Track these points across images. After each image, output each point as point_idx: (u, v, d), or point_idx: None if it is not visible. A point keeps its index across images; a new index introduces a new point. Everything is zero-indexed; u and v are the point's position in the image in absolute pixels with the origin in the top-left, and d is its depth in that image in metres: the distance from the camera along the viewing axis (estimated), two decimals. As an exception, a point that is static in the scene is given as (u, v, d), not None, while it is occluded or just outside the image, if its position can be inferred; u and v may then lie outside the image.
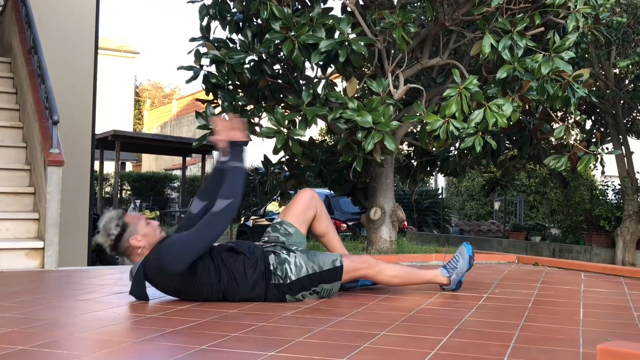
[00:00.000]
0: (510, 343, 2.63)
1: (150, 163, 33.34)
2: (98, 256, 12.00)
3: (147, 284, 3.47)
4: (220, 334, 2.74)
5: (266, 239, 3.79)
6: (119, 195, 21.62)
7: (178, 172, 26.12)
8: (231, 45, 6.27)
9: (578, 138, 6.61)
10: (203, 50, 6.05)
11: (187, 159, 23.61)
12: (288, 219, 3.79)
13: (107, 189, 25.79)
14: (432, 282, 3.92)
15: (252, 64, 6.08)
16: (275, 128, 5.52)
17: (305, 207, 3.84)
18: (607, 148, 10.90)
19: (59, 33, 9.56)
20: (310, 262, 3.56)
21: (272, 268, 3.51)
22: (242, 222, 16.56)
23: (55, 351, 2.39)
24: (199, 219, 3.49)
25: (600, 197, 12.59)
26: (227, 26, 6.30)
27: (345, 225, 12.33)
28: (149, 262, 3.41)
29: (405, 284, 3.87)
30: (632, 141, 11.95)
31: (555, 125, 6.91)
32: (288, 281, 3.51)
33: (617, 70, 10.66)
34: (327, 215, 3.97)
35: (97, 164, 18.22)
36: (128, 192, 24.98)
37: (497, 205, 18.26)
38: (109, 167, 26.92)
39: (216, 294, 3.46)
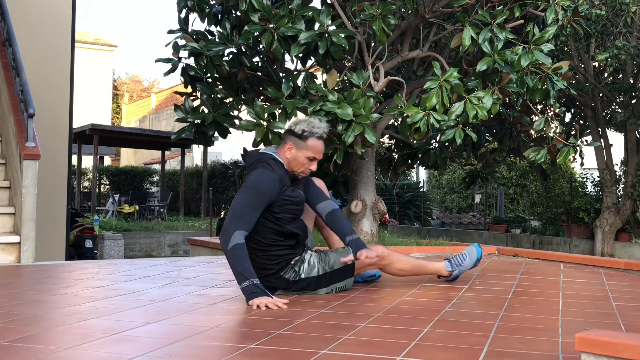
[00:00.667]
0: (490, 333, 2.62)
1: (129, 157, 33.08)
2: (76, 251, 11.92)
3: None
4: (197, 326, 2.71)
5: None
6: (97, 190, 21.45)
7: (157, 166, 25.95)
8: (210, 37, 6.22)
9: (557, 130, 6.63)
10: (181, 42, 5.99)
11: (167, 152, 23.48)
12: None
13: (86, 184, 25.58)
14: (436, 274, 3.97)
15: (231, 56, 6.03)
16: (255, 121, 5.48)
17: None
18: (586, 140, 10.96)
19: (34, 25, 9.44)
20: (322, 262, 3.55)
21: (292, 262, 3.51)
22: (222, 216, 16.50)
23: (31, 346, 2.35)
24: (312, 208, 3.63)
25: (580, 189, 12.68)
26: (206, 18, 6.24)
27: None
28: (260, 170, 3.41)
29: (411, 274, 3.88)
30: (610, 133, 12.04)
31: (535, 118, 6.94)
32: (297, 278, 3.51)
33: (596, 63, 10.73)
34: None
35: (74, 158, 18.06)
36: (106, 187, 24.77)
37: (478, 198, 18.35)
38: (87, 162, 26.70)
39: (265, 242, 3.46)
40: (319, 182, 3.82)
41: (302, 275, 3.51)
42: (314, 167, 3.54)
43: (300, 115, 6.13)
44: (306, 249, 3.61)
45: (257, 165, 3.46)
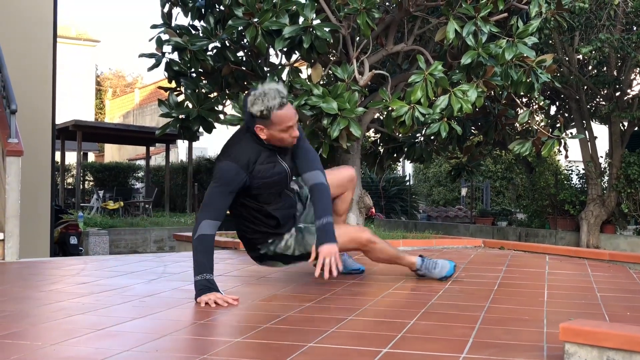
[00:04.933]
0: (476, 324, 2.64)
1: (113, 153, 32.88)
2: (61, 247, 11.84)
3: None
4: (185, 321, 2.70)
5: (295, 187, 3.68)
6: (81, 186, 21.33)
7: (142, 162, 25.83)
8: (193, 32, 6.19)
9: (542, 123, 6.67)
10: (165, 37, 5.96)
11: (151, 148, 23.36)
12: None
13: (69, 180, 25.41)
14: (408, 266, 3.85)
15: (215, 50, 6.01)
16: (240, 115, 5.47)
17: (338, 184, 3.72)
18: (570, 133, 11.03)
19: (16, 21, 9.36)
20: (299, 245, 3.50)
21: (269, 240, 3.51)
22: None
23: (17, 342, 2.33)
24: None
25: (565, 182, 12.74)
26: (189, 13, 6.21)
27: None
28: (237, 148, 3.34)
29: (388, 262, 3.81)
30: (595, 126, 12.10)
31: (519, 111, 6.97)
32: (269, 252, 3.51)
33: (580, 56, 10.78)
34: (349, 201, 3.89)
35: (58, 154, 17.94)
36: (91, 183, 24.64)
37: (464, 191, 18.41)
38: (71, 158, 26.51)
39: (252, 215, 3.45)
40: (349, 173, 3.77)
41: (276, 251, 3.51)
42: (294, 133, 3.34)
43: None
44: (289, 229, 3.53)
45: (221, 157, 3.36)
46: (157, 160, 28.02)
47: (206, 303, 3.04)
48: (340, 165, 3.83)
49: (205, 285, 3.11)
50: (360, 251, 3.71)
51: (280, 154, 3.42)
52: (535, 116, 6.21)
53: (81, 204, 19.06)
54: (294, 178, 3.62)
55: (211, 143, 22.47)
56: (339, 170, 3.81)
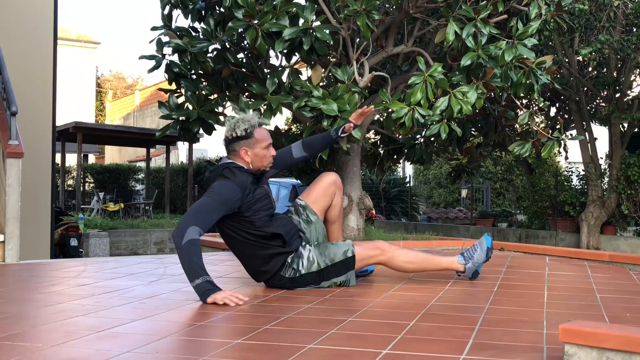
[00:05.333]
0: (476, 326, 2.64)
1: (114, 155, 32.90)
2: (61, 249, 11.85)
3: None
4: (186, 322, 2.71)
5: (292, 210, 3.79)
6: (81, 188, 21.33)
7: (142, 164, 25.83)
8: (194, 33, 6.20)
9: (542, 124, 6.67)
10: (165, 39, 5.97)
11: (151, 150, 23.37)
12: (310, 204, 3.75)
13: (70, 182, 25.41)
14: (448, 269, 3.82)
15: (215, 52, 6.01)
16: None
17: (324, 193, 3.80)
18: (570, 134, 11.04)
19: (16, 23, 9.37)
20: (322, 256, 3.53)
21: (288, 261, 3.51)
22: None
23: (18, 344, 2.33)
24: (293, 162, 3.92)
25: (565, 183, 12.74)
26: (190, 14, 6.22)
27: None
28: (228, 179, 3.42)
29: (420, 270, 3.80)
30: (595, 127, 12.10)
31: (519, 112, 6.97)
32: (297, 275, 3.51)
33: (580, 58, 10.78)
34: (340, 206, 3.93)
35: (58, 156, 17.94)
36: (91, 185, 24.63)
37: (464, 192, 18.40)
38: (71, 160, 26.50)
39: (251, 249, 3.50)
40: (332, 178, 3.84)
41: (303, 272, 3.50)
42: (273, 152, 3.57)
43: (286, 111, 6.12)
44: (304, 244, 3.58)
45: (216, 178, 3.46)
46: (158, 162, 28.03)
47: (215, 302, 3.07)
48: (319, 176, 3.90)
49: (209, 287, 3.13)
50: (381, 264, 3.73)
51: (259, 181, 3.58)
52: (535, 117, 6.22)
53: (81, 206, 19.06)
54: (290, 209, 3.80)
55: (211, 145, 22.49)
56: (319, 180, 3.86)
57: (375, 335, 2.49)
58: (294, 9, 5.42)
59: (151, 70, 6.01)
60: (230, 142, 3.52)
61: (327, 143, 3.99)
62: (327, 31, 5.37)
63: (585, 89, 11.20)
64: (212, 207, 3.30)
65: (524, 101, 8.87)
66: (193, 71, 5.97)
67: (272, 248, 3.48)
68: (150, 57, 5.97)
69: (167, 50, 5.94)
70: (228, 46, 6.02)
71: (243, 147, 3.49)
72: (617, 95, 10.94)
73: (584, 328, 1.98)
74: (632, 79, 11.11)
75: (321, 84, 6.01)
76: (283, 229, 3.52)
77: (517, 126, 7.47)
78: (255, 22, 5.33)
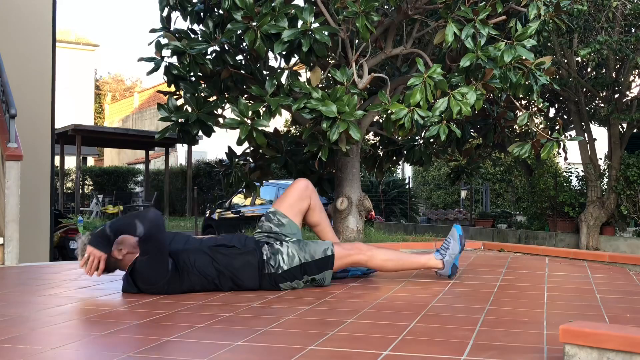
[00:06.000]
0: (476, 327, 2.64)
1: (113, 157, 32.89)
2: (60, 252, 11.84)
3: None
4: (187, 325, 2.70)
5: (259, 230, 3.81)
6: (80, 191, 21.32)
7: (141, 166, 25.82)
8: (192, 35, 6.19)
9: (541, 125, 6.67)
10: (164, 41, 5.96)
11: (150, 152, 23.38)
12: (282, 209, 3.79)
13: (69, 185, 25.41)
14: (426, 267, 3.89)
15: (214, 54, 6.01)
16: (239, 119, 5.47)
17: (299, 197, 3.85)
18: (570, 135, 11.03)
19: (15, 25, 9.37)
20: (302, 251, 3.58)
21: (265, 258, 3.54)
22: (207, 215, 16.43)
23: (17, 346, 2.33)
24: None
25: (564, 184, 12.72)
26: (188, 16, 6.22)
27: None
28: (136, 275, 3.44)
29: (399, 268, 3.86)
30: (594, 128, 12.09)
31: (518, 113, 6.96)
32: (280, 271, 3.54)
33: (578, 58, 10.78)
34: (320, 206, 3.97)
35: (57, 158, 17.93)
36: (90, 187, 24.63)
37: (463, 193, 18.39)
38: (70, 162, 26.50)
39: (212, 286, 3.51)
40: (304, 184, 3.87)
41: (285, 267, 3.53)
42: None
43: (285, 113, 6.12)
44: (280, 242, 3.61)
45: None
46: (157, 164, 28.03)
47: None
48: (291, 184, 3.94)
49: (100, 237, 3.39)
50: (361, 265, 3.79)
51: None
52: (534, 118, 6.21)
53: (81, 208, 19.06)
54: (262, 219, 3.87)
55: (210, 147, 22.49)
56: (292, 187, 3.91)
57: (375, 336, 2.49)
58: (293, 10, 5.42)
59: (150, 72, 6.00)
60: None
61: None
62: (326, 33, 5.36)
63: (584, 89, 11.21)
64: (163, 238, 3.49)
65: (523, 102, 8.89)
66: (192, 73, 5.96)
67: (234, 257, 3.52)
68: (149, 60, 5.96)
69: (166, 52, 5.93)
70: (227, 48, 6.02)
71: (116, 251, 3.49)
72: (616, 95, 10.94)
73: (585, 329, 1.98)
74: (631, 79, 11.11)
75: (320, 85, 6.00)
76: (225, 241, 3.59)
77: (517, 127, 7.46)
78: (254, 23, 5.32)
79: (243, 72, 6.12)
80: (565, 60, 10.66)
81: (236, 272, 3.51)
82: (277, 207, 3.82)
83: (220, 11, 5.87)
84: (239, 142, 5.66)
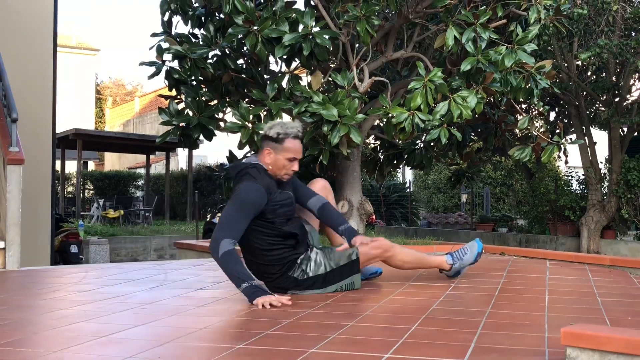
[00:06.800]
0: (478, 330, 2.64)
1: (113, 162, 32.89)
2: (61, 256, 11.84)
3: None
4: (186, 328, 2.70)
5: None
6: (81, 195, 21.33)
7: (142, 171, 25.83)
8: (194, 40, 6.21)
9: (542, 129, 6.67)
10: (165, 45, 5.98)
11: (151, 157, 23.38)
12: (303, 214, 3.79)
13: (70, 189, 25.40)
14: (438, 267, 4.01)
15: (215, 58, 6.02)
16: (240, 123, 5.48)
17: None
18: (570, 138, 11.02)
19: (17, 31, 9.39)
20: (327, 259, 3.58)
21: (299, 261, 3.54)
22: (208, 219, 16.43)
23: (19, 349, 2.34)
24: (303, 205, 3.71)
25: (565, 188, 12.72)
26: (189, 21, 6.23)
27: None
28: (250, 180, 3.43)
29: (414, 268, 3.96)
30: (594, 132, 12.09)
31: (519, 117, 6.97)
32: (304, 277, 3.54)
33: (579, 62, 10.78)
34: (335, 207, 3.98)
35: (58, 163, 17.94)
36: (91, 192, 24.62)
37: (464, 197, 18.39)
38: (71, 167, 26.50)
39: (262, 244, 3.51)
40: (322, 183, 3.91)
41: (310, 274, 3.54)
42: (295, 167, 3.56)
43: (286, 117, 6.14)
44: (311, 247, 3.63)
45: (242, 178, 3.48)
46: (157, 168, 28.03)
47: (262, 305, 3.13)
48: (310, 183, 3.94)
49: (257, 288, 3.22)
50: (382, 260, 3.81)
51: (280, 186, 3.58)
52: (534, 122, 6.22)
53: (81, 213, 19.06)
54: None
55: (211, 151, 22.50)
56: (312, 185, 3.92)
57: (376, 339, 2.49)
58: (294, 14, 5.44)
59: (151, 76, 6.02)
60: (262, 139, 3.60)
61: (333, 226, 3.76)
62: (327, 37, 5.38)
63: (585, 93, 11.21)
64: (239, 216, 3.35)
65: (524, 106, 8.88)
66: (193, 77, 5.98)
67: (283, 248, 3.51)
68: (151, 64, 5.97)
69: (167, 56, 5.94)
70: (228, 52, 6.03)
71: (267, 147, 3.52)
72: (617, 99, 10.94)
73: (586, 331, 1.98)
74: (631, 83, 11.11)
75: (321, 89, 6.01)
76: (299, 230, 3.57)
77: (517, 131, 7.48)
78: (255, 28, 5.34)
79: (244, 76, 6.13)
80: (566, 64, 10.67)
81: (266, 257, 3.51)
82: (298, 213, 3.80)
83: (221, 15, 5.88)
84: (240, 146, 5.67)
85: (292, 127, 3.53)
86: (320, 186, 3.91)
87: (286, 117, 6.66)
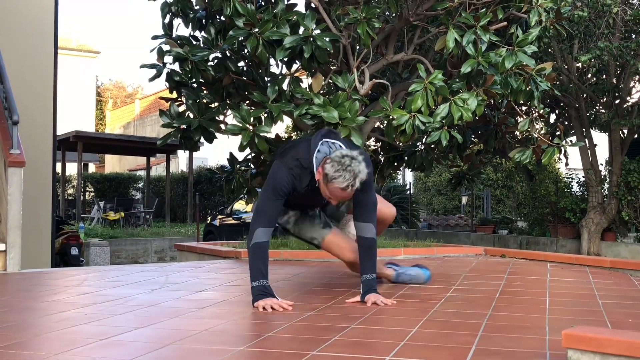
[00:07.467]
0: (478, 332, 2.64)
1: (114, 164, 32.90)
2: (62, 258, 11.84)
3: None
4: (187, 330, 2.71)
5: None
6: (82, 197, 21.33)
7: (142, 173, 25.84)
8: (194, 42, 6.21)
9: (542, 131, 6.67)
10: (166, 48, 5.97)
11: (152, 159, 23.39)
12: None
13: (70, 191, 25.40)
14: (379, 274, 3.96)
15: (216, 61, 6.02)
16: (241, 125, 5.48)
17: (381, 219, 3.92)
18: (570, 141, 11.02)
19: (17, 33, 9.40)
20: (295, 224, 3.80)
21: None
22: (208, 221, 16.43)
23: (21, 352, 2.34)
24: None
25: (565, 190, 12.72)
26: (190, 23, 6.23)
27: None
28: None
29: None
30: (595, 134, 12.09)
31: (519, 119, 6.97)
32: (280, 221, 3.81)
33: (579, 64, 10.79)
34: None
35: (58, 165, 17.95)
36: (91, 194, 24.63)
37: (464, 199, 18.38)
38: (72, 169, 26.51)
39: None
40: (389, 213, 3.97)
41: (280, 222, 3.82)
42: (333, 202, 3.43)
43: (286, 119, 6.13)
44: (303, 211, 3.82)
45: (284, 163, 3.44)
46: (158, 170, 28.04)
47: (264, 308, 3.16)
48: (388, 202, 3.97)
49: (262, 290, 3.24)
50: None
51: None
52: (535, 124, 6.23)
53: (82, 215, 19.06)
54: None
55: (212, 153, 22.50)
56: (387, 208, 3.96)
57: (378, 342, 2.50)
58: (295, 17, 5.44)
59: (152, 78, 6.02)
60: (320, 158, 3.42)
61: (361, 267, 3.57)
62: (328, 39, 5.38)
63: (585, 95, 11.22)
64: (273, 203, 3.38)
65: (524, 108, 8.88)
66: (194, 80, 5.98)
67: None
68: (151, 66, 5.97)
69: (167, 58, 5.94)
70: (229, 54, 6.03)
71: (320, 169, 3.35)
72: (617, 101, 10.95)
73: (587, 334, 1.98)
74: (631, 85, 11.12)
75: (322, 91, 6.01)
76: (307, 207, 3.79)
77: (518, 133, 7.48)
78: (256, 30, 5.34)
79: (245, 78, 6.13)
80: (566, 66, 10.68)
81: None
82: None
83: (222, 18, 5.88)
84: (241, 149, 5.67)
85: (344, 178, 3.24)
86: (388, 215, 3.96)
87: (287, 120, 6.67)
